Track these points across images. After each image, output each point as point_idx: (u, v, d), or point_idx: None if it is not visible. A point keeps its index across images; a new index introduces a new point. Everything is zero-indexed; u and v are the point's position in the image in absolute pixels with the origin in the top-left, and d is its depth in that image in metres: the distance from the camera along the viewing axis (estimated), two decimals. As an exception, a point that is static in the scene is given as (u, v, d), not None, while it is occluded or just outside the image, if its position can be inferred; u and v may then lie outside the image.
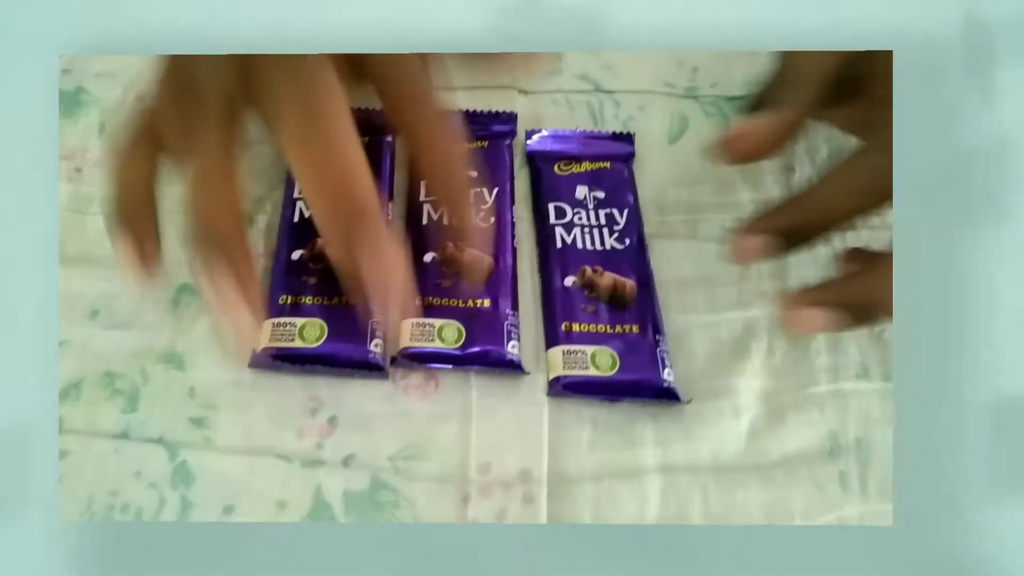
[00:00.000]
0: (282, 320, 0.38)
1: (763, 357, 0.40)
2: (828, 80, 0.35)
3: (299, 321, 0.38)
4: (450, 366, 0.38)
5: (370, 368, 0.37)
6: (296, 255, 0.40)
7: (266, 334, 0.37)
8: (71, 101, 0.46)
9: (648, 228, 0.43)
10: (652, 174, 0.46)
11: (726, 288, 0.42)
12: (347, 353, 0.37)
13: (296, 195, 0.42)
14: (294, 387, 0.38)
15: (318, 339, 0.37)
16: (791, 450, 0.38)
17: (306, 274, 0.39)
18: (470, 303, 0.39)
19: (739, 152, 0.35)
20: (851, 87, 0.36)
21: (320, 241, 0.39)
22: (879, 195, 0.33)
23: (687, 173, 0.46)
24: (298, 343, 0.37)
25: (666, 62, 0.49)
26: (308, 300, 0.38)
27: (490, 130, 0.45)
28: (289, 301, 0.38)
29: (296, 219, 0.41)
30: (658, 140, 0.47)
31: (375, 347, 0.37)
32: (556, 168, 0.45)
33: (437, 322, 0.38)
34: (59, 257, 0.40)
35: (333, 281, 0.38)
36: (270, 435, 0.37)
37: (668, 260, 0.43)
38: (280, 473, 0.36)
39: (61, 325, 0.39)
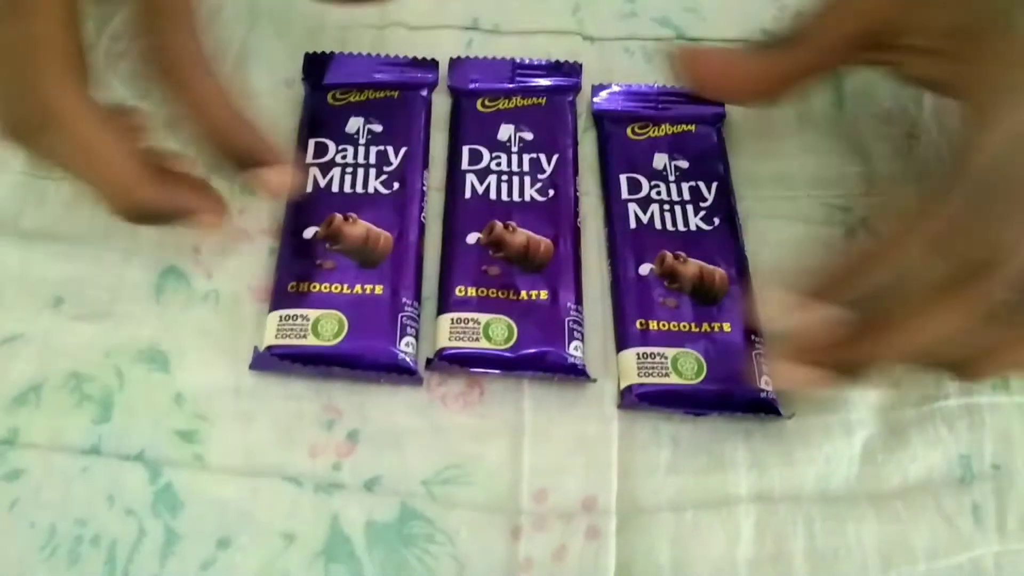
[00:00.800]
0: (292, 312, 0.36)
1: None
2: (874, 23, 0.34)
3: (313, 314, 0.36)
4: (498, 371, 0.37)
5: (400, 372, 0.36)
6: (308, 233, 0.38)
7: (272, 328, 0.36)
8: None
9: (742, 206, 0.42)
10: (746, 142, 0.44)
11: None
12: (372, 353, 0.36)
13: (309, 161, 0.40)
14: (305, 394, 0.36)
15: (336, 336, 0.36)
16: (914, 476, 0.36)
17: (321, 256, 0.38)
18: (523, 295, 0.37)
19: (708, 85, 0.36)
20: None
21: (339, 217, 0.38)
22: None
23: (789, 141, 0.44)
24: (311, 340, 0.36)
25: (763, 4, 0.48)
26: (323, 288, 0.37)
27: (548, 84, 0.44)
28: (300, 289, 0.37)
29: (309, 189, 0.40)
30: (754, 101, 0.46)
31: (406, 346, 0.36)
32: (629, 131, 0.43)
33: (483, 317, 0.37)
34: (15, 231, 0.39)
35: (354, 265, 0.37)
36: (276, 453, 0.35)
37: (764, 245, 0.41)
38: (288, 499, 0.35)
39: (17, 315, 0.37)
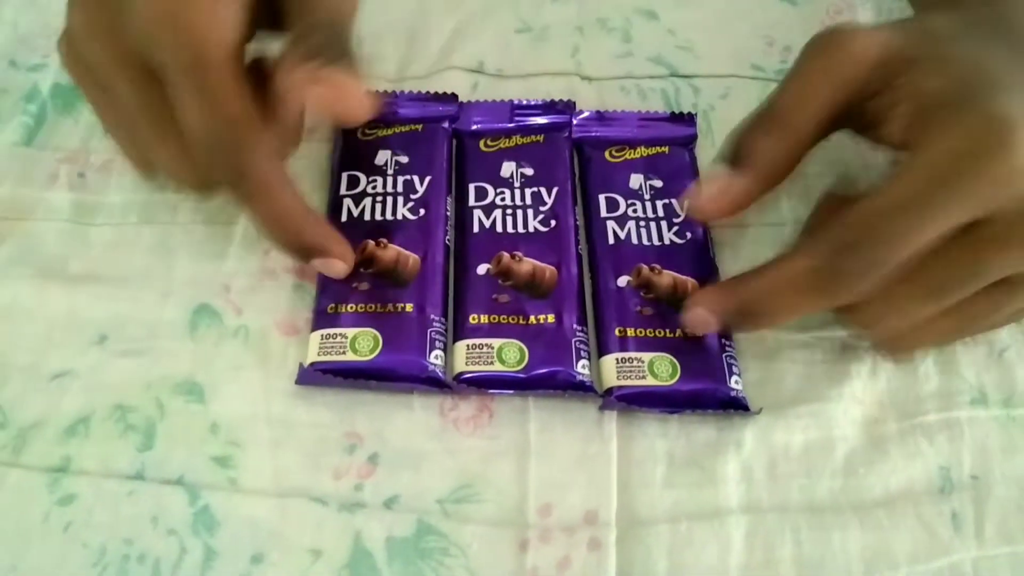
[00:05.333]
0: (331, 331, 0.38)
1: (865, 381, 0.40)
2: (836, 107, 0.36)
3: (350, 332, 0.38)
4: (512, 391, 0.38)
5: (430, 384, 0.38)
6: None
7: (314, 346, 0.38)
8: (72, 95, 0.46)
9: (730, 234, 0.43)
10: None
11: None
12: (406, 367, 0.38)
13: (343, 192, 0.42)
14: (329, 422, 0.38)
15: (372, 351, 0.37)
16: (895, 487, 0.37)
17: (356, 279, 0.40)
18: (532, 319, 0.39)
19: (711, 214, 0.38)
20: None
21: (372, 242, 0.40)
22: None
23: None
24: (350, 356, 0.37)
25: (753, 40, 0.49)
26: (359, 308, 0.39)
27: (545, 122, 0.46)
28: (338, 310, 0.39)
29: (344, 219, 0.42)
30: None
31: (435, 359, 0.38)
32: (607, 155, 0.45)
33: (496, 342, 0.38)
34: (62, 275, 0.41)
35: (386, 286, 0.39)
36: (303, 476, 0.37)
37: None
38: (314, 518, 0.36)
39: (66, 352, 0.39)
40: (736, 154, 0.36)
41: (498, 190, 0.43)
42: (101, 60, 0.36)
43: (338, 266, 0.38)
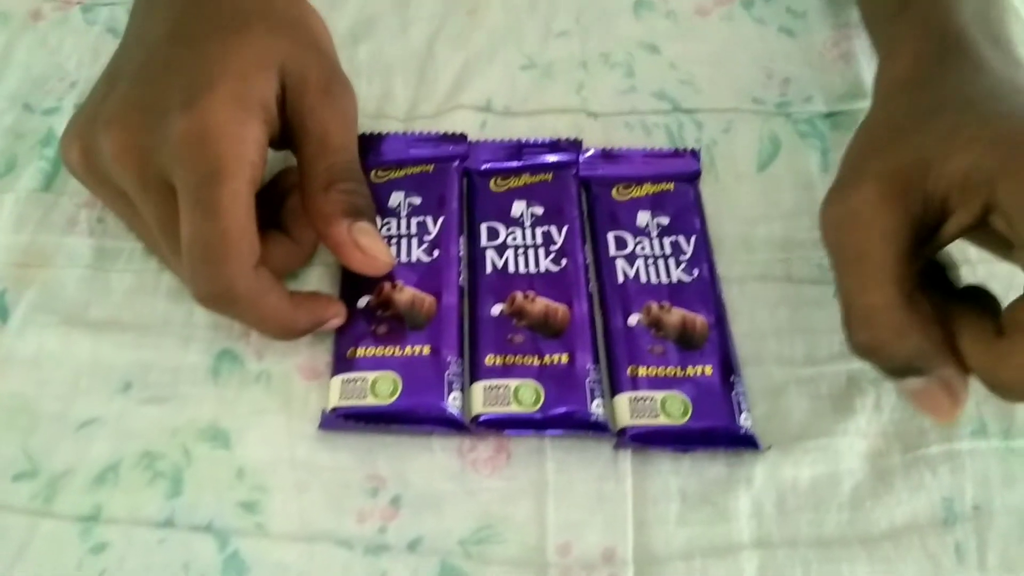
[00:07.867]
0: (352, 376, 0.39)
1: (869, 414, 0.40)
2: None
3: (370, 376, 0.38)
4: (530, 431, 0.39)
5: (449, 426, 0.38)
6: (362, 303, 0.41)
7: (336, 391, 0.38)
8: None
9: (736, 268, 0.44)
10: (739, 206, 0.46)
11: (827, 336, 0.42)
12: (425, 409, 0.38)
13: None
14: (352, 465, 0.38)
15: (392, 395, 0.38)
16: (900, 519, 0.38)
17: (373, 322, 0.40)
18: (546, 359, 0.39)
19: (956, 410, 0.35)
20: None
21: (388, 285, 0.41)
22: None
23: (780, 205, 0.46)
24: (371, 400, 0.38)
25: (753, 72, 0.50)
26: (378, 351, 0.39)
27: (553, 160, 0.46)
28: (357, 354, 0.39)
29: None
30: (746, 167, 0.47)
31: (453, 401, 0.38)
32: (614, 192, 0.45)
33: (512, 383, 0.39)
34: (85, 322, 0.41)
35: (403, 329, 0.39)
36: (328, 519, 0.37)
37: (760, 305, 0.43)
38: (341, 561, 0.36)
39: (92, 400, 0.40)
40: (904, 371, 0.35)
41: (509, 229, 0.43)
42: (129, 182, 0.37)
43: (334, 323, 0.40)
